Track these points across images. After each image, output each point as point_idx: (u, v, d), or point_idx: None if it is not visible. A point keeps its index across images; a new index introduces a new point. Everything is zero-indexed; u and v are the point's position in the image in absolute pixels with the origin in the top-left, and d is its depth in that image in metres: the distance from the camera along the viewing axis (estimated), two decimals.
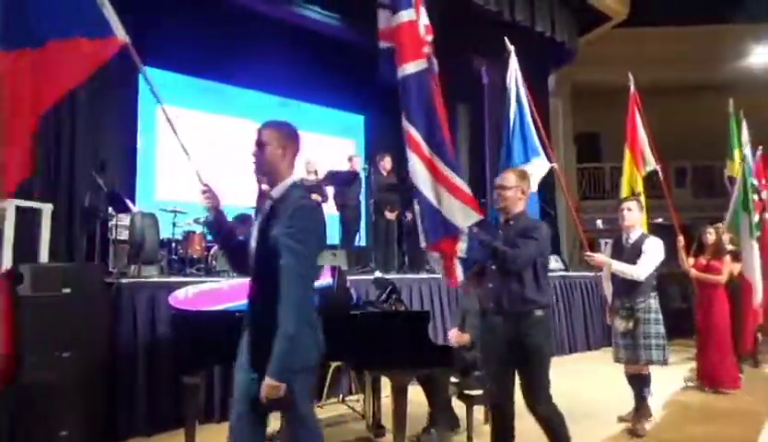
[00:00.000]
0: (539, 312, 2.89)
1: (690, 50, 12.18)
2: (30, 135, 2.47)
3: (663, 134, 7.41)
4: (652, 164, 5.57)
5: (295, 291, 1.98)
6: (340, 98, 9.68)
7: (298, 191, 2.18)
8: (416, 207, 3.56)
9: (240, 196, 5.38)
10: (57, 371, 3.41)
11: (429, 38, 3.56)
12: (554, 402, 2.92)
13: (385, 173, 7.12)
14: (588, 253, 4.03)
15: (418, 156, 3.40)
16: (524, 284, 2.87)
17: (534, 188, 4.11)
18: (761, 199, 7.07)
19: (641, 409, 4.18)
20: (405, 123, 3.43)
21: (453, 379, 3.77)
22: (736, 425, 4.33)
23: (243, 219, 4.97)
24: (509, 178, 3.03)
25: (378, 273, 5.40)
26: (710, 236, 5.58)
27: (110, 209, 5.54)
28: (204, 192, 2.30)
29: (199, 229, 5.68)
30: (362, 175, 7.35)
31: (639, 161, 5.50)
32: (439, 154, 3.41)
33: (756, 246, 6.22)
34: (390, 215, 7.03)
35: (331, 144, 9.78)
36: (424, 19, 3.57)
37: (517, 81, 4.33)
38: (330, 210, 7.35)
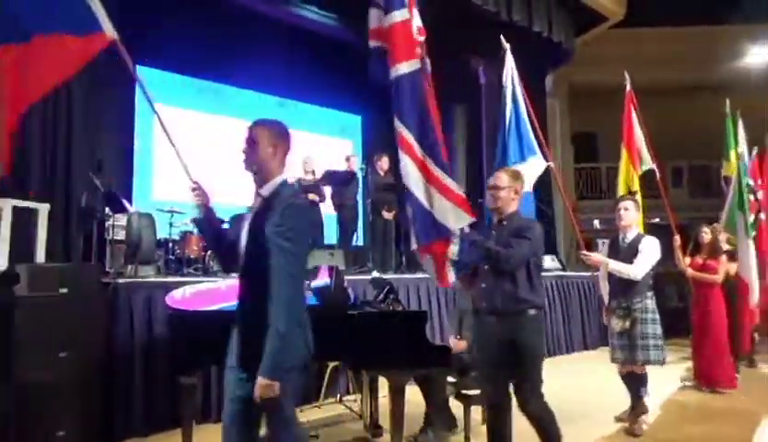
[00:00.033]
0: (532, 311, 2.90)
1: (686, 50, 12.22)
2: (10, 135, 2.43)
3: (660, 134, 7.43)
4: (648, 163, 5.58)
5: (285, 290, 1.98)
6: (337, 98, 9.69)
7: (289, 190, 2.19)
8: (408, 209, 3.53)
9: (238, 196, 5.37)
10: (54, 371, 3.39)
11: (422, 38, 3.53)
12: (546, 401, 2.93)
13: (382, 173, 7.12)
14: (585, 252, 4.03)
15: (410, 157, 3.37)
16: (517, 283, 2.88)
17: (530, 187, 4.11)
18: (756, 199, 7.09)
19: (638, 408, 4.18)
20: (397, 124, 3.40)
21: (450, 379, 3.77)
22: (733, 425, 4.34)
23: (240, 219, 4.96)
24: (502, 178, 3.04)
25: (375, 273, 5.40)
26: (706, 235, 5.59)
27: (107, 209, 5.53)
28: (194, 189, 2.31)
29: (197, 229, 5.67)
30: (359, 175, 7.35)
31: (636, 160, 5.51)
32: (432, 155, 3.38)
33: (752, 245, 6.24)
34: (388, 215, 7.03)
35: (328, 144, 9.78)
36: (417, 20, 3.54)
37: (512, 79, 4.32)
38: (327, 210, 7.36)
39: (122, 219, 5.49)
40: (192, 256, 5.67)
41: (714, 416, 4.61)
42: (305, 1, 7.84)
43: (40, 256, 4.20)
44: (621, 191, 5.41)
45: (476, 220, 3.38)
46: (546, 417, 2.91)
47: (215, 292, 3.71)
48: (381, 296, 3.84)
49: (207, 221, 2.35)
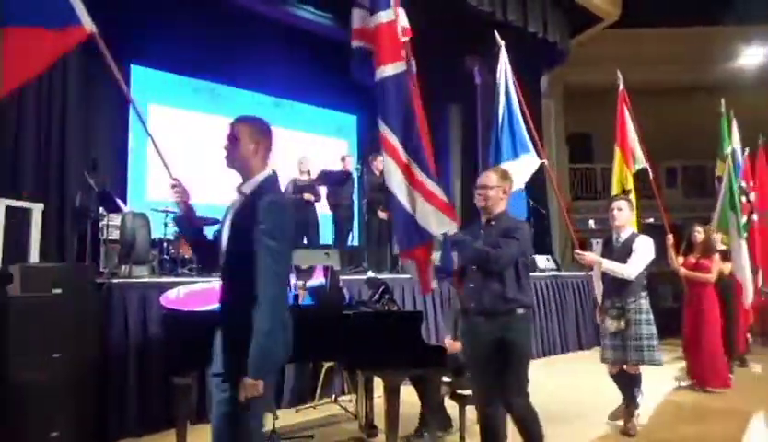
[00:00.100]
0: (521, 311, 2.90)
1: (681, 51, 12.27)
2: None
3: (654, 135, 7.47)
4: (642, 162, 5.59)
5: (271, 289, 1.97)
6: (333, 98, 9.68)
7: (271, 187, 2.17)
8: (391, 213, 3.49)
9: (232, 196, 5.37)
10: (48, 372, 3.38)
11: (406, 39, 3.47)
12: (530, 401, 2.93)
13: (378, 173, 7.11)
14: (579, 252, 4.03)
15: (394, 160, 3.31)
16: (505, 283, 2.88)
17: (522, 184, 4.11)
18: (749, 201, 7.13)
19: (631, 408, 4.19)
20: (382, 127, 3.34)
21: (446, 379, 3.77)
22: (727, 425, 4.35)
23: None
24: (491, 177, 3.04)
25: (370, 273, 5.40)
26: (699, 234, 5.60)
27: (101, 209, 5.51)
28: (173, 186, 2.30)
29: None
30: (355, 175, 7.35)
31: (629, 159, 5.52)
32: (416, 159, 3.31)
33: (744, 245, 6.27)
34: (383, 215, 7.03)
35: (324, 143, 9.78)
36: (402, 20, 3.48)
37: (506, 76, 4.30)
38: (323, 210, 7.36)
39: (116, 219, 5.47)
40: (186, 256, 5.65)
41: (708, 416, 4.63)
42: (301, 1, 7.83)
43: (34, 256, 4.18)
44: (615, 190, 5.43)
45: (461, 223, 3.34)
46: (529, 417, 2.91)
47: (209, 292, 3.69)
48: (376, 296, 3.85)
49: (187, 219, 2.34)
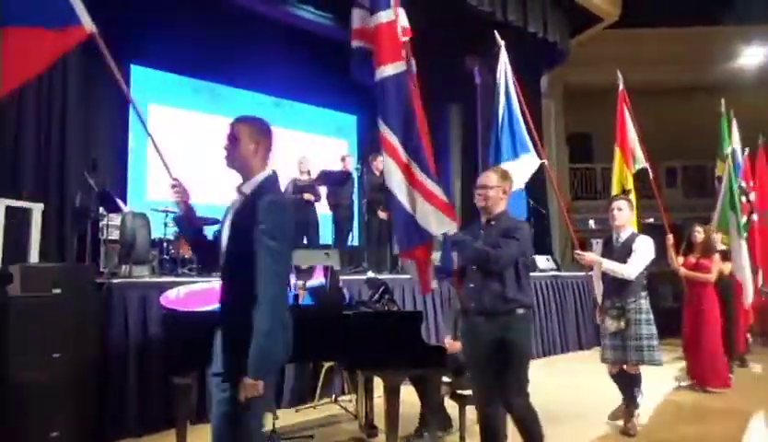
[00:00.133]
0: (521, 311, 2.90)
1: (681, 51, 12.27)
2: None
3: (655, 135, 7.47)
4: (642, 162, 5.59)
5: (271, 289, 1.97)
6: (333, 98, 9.68)
7: (271, 187, 2.16)
8: (391, 213, 3.49)
9: (233, 196, 5.38)
10: (47, 372, 3.38)
11: (406, 39, 3.46)
12: (530, 401, 2.92)
13: (378, 173, 7.11)
14: (578, 252, 4.03)
15: (394, 160, 3.30)
16: (505, 283, 2.87)
17: (522, 184, 4.10)
18: (749, 201, 7.13)
19: (631, 408, 4.18)
20: (382, 127, 3.33)
21: (446, 379, 3.78)
22: (728, 425, 4.35)
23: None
24: (491, 177, 3.04)
25: (370, 273, 5.41)
26: (699, 234, 5.59)
27: (101, 209, 5.51)
28: (173, 186, 2.29)
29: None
30: (355, 175, 7.35)
31: (629, 159, 5.52)
32: (416, 159, 3.31)
33: (744, 245, 6.27)
34: (383, 215, 7.02)
35: (324, 143, 9.78)
36: (402, 20, 3.47)
37: (506, 76, 4.30)
38: (323, 210, 7.36)
39: (116, 219, 5.47)
40: (186, 256, 5.65)
41: (708, 416, 4.62)
42: (301, 1, 7.83)
43: (34, 256, 4.18)
44: (615, 190, 5.42)
45: (462, 223, 3.34)
46: (529, 417, 2.91)
47: (209, 292, 3.69)
48: (376, 296, 3.85)
49: (187, 219, 2.33)
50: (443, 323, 5.79)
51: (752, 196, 7.37)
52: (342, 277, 4.46)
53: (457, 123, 10.73)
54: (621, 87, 5.57)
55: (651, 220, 6.76)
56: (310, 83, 8.96)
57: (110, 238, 5.42)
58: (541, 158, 4.25)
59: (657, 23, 11.91)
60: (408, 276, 5.44)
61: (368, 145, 9.35)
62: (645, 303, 4.02)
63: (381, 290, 3.84)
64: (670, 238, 5.40)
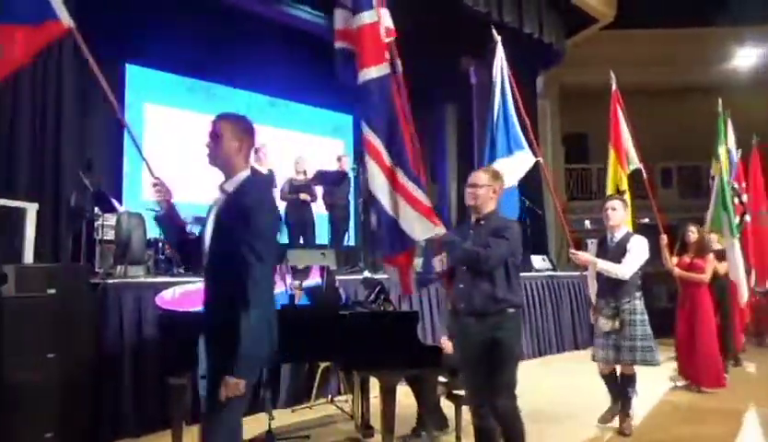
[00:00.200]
0: (511, 310, 2.89)
1: (675, 52, 12.33)
2: None
3: (650, 135, 7.50)
4: (635, 162, 5.60)
5: (256, 289, 1.95)
6: (329, 97, 9.66)
7: (254, 186, 2.15)
8: (373, 217, 3.46)
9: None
10: (42, 372, 3.37)
11: (389, 40, 3.40)
12: (517, 404, 2.91)
13: None
14: (573, 251, 4.04)
15: (378, 164, 3.26)
16: (495, 283, 2.87)
17: (516, 182, 4.11)
18: (741, 202, 7.16)
19: (626, 408, 4.19)
20: (365, 130, 3.30)
21: (442, 379, 3.78)
22: (722, 425, 4.36)
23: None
24: (481, 176, 3.03)
25: (366, 273, 5.40)
26: (692, 234, 5.57)
27: (96, 209, 5.48)
28: (155, 185, 2.28)
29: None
30: (351, 175, 7.35)
31: (623, 159, 5.53)
32: (399, 163, 3.26)
33: (737, 245, 6.29)
34: None
35: (320, 143, 9.78)
36: (385, 21, 3.41)
37: (502, 72, 4.29)
38: (319, 210, 7.35)
39: (111, 219, 5.44)
40: None
41: (703, 416, 4.64)
42: (297, 1, 7.82)
43: (28, 256, 4.15)
44: (609, 190, 5.43)
45: (457, 224, 3.33)
46: (514, 421, 2.89)
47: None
48: (372, 296, 3.85)
49: (169, 218, 2.32)
50: (439, 323, 5.80)
51: (745, 198, 7.41)
52: (338, 277, 4.47)
53: (452, 123, 10.75)
54: (614, 87, 5.59)
55: (646, 220, 6.79)
56: (306, 83, 8.95)
57: (105, 238, 5.39)
58: (536, 156, 4.25)
59: (652, 24, 11.97)
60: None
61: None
62: (639, 303, 4.03)
63: (377, 290, 3.84)
64: (664, 238, 5.41)
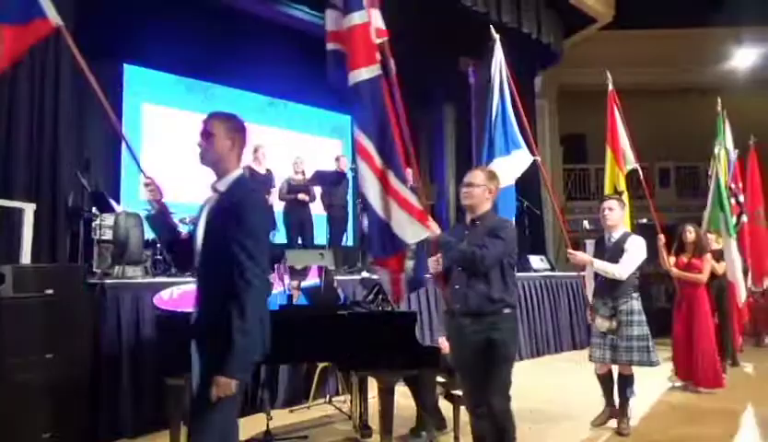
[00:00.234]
0: (507, 310, 2.89)
1: (673, 52, 12.35)
2: None
3: (648, 135, 7.51)
4: (632, 162, 5.60)
5: (247, 288, 1.94)
6: (327, 98, 9.63)
7: (246, 185, 2.15)
8: (365, 220, 3.43)
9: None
10: (40, 372, 3.37)
11: (380, 41, 3.33)
12: (510, 406, 2.89)
13: None
14: (570, 251, 4.04)
15: (369, 166, 3.21)
16: (491, 284, 2.86)
17: (513, 181, 4.10)
18: (738, 203, 7.17)
19: (624, 408, 4.20)
20: (357, 132, 3.27)
21: (440, 379, 3.78)
22: (721, 425, 4.36)
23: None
24: (477, 176, 3.02)
25: (365, 273, 5.40)
26: (689, 234, 5.55)
27: (94, 209, 5.48)
28: (147, 185, 2.28)
29: (185, 229, 5.63)
30: (349, 175, 7.34)
31: (620, 159, 5.53)
32: (391, 166, 3.21)
33: (734, 244, 6.30)
34: None
35: (318, 144, 9.77)
36: (376, 22, 3.35)
37: (501, 71, 4.27)
38: (317, 210, 7.35)
39: (109, 219, 5.43)
40: None
41: (701, 416, 4.64)
42: (295, 1, 7.82)
43: (26, 257, 4.15)
44: (607, 190, 5.43)
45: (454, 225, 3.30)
46: (505, 422, 2.88)
47: None
48: (371, 296, 3.85)
49: (160, 218, 2.32)
50: (437, 323, 5.80)
51: (741, 198, 7.42)
52: (336, 277, 4.47)
53: (451, 123, 10.74)
54: (610, 87, 5.59)
55: (644, 220, 6.80)
56: (305, 83, 8.92)
57: (102, 238, 5.38)
58: (533, 155, 4.24)
59: (651, 24, 11.98)
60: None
61: None
62: (636, 303, 4.03)
63: (376, 290, 3.84)
64: (662, 238, 5.40)
